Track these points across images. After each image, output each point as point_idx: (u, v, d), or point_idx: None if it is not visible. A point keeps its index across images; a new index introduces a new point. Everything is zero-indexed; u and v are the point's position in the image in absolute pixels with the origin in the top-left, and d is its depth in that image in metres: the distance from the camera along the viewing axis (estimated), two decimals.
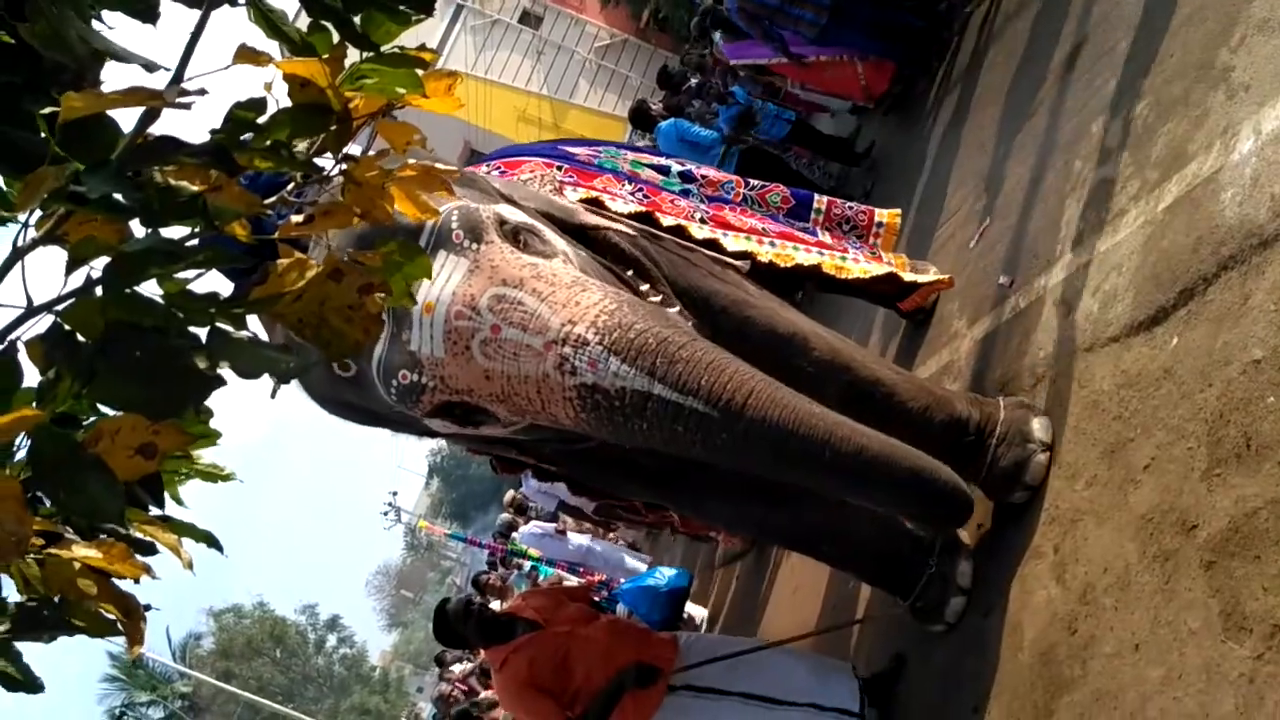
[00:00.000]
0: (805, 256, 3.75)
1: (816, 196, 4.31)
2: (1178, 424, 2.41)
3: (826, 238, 4.06)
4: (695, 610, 6.75)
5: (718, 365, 2.48)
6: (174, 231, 1.23)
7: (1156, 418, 2.52)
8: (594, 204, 3.38)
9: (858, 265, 3.89)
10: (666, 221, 3.46)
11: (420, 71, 1.33)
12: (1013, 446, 3.05)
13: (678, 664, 3.42)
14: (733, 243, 3.56)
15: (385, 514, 38.37)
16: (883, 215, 4.33)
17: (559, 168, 3.64)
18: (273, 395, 1.44)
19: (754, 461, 2.67)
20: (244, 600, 38.04)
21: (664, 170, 4.08)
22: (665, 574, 5.47)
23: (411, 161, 1.39)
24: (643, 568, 7.39)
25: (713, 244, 3.47)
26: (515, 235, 2.68)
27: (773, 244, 3.71)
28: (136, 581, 1.41)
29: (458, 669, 8.63)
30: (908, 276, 4.02)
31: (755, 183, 4.23)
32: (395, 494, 37.42)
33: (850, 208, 4.33)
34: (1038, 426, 3.05)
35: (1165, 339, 2.60)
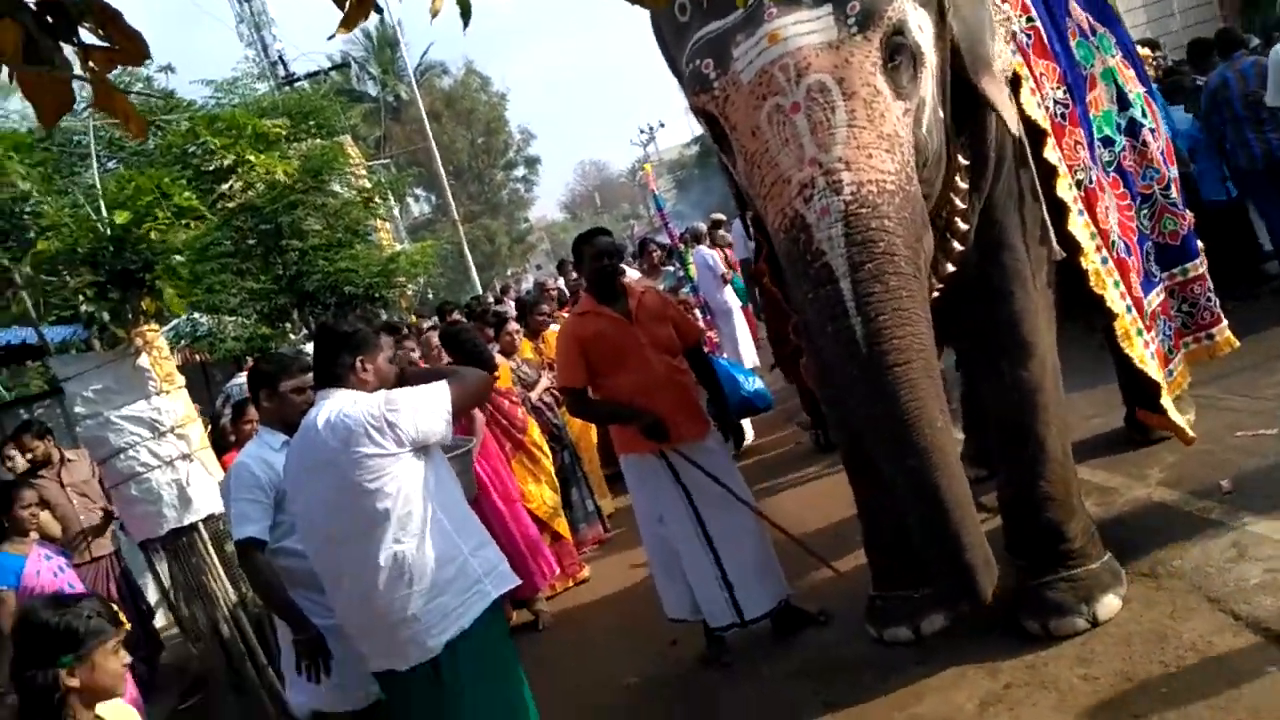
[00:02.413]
0: (1114, 299, 3.22)
1: (1197, 261, 3.89)
2: None
3: (1158, 299, 3.66)
4: (749, 429, 6.82)
5: (905, 316, 2.32)
6: None
7: (1191, 707, 2.37)
8: (1013, 78, 3.03)
9: (1145, 350, 3.38)
10: (1047, 154, 3.09)
11: None
12: (1071, 593, 2.91)
13: (683, 448, 3.50)
14: (1076, 227, 3.15)
15: (641, 132, 39.17)
16: (1223, 333, 3.92)
17: (1030, 18, 3.24)
18: None
19: (855, 415, 2.54)
20: (497, 82, 39.46)
21: (1124, 103, 3.67)
22: (757, 384, 5.42)
23: None
24: (748, 365, 7.39)
25: (1061, 209, 3.13)
26: (894, 53, 2.44)
27: (1104, 260, 3.28)
28: None
29: (566, 280, 9.05)
30: (1166, 403, 3.48)
31: (1173, 196, 3.80)
32: (661, 125, 37.90)
33: (1208, 299, 3.90)
34: (1105, 602, 2.89)
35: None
